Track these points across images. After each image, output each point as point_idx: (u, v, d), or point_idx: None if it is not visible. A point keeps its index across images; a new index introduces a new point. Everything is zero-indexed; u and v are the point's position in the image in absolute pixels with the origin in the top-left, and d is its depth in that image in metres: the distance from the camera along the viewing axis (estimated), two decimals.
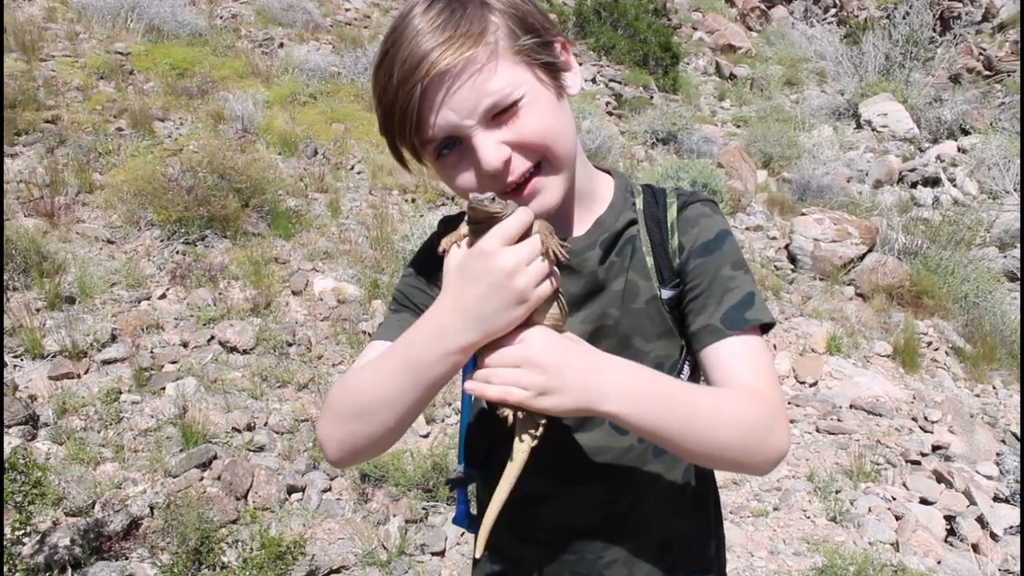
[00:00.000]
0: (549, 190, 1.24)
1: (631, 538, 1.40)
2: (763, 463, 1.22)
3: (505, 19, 1.18)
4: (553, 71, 1.23)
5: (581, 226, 1.34)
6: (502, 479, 1.21)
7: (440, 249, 1.16)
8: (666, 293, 1.34)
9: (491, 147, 1.16)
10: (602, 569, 1.41)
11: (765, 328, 1.30)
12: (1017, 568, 4.11)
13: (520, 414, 1.16)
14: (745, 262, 1.35)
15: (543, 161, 1.22)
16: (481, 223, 1.10)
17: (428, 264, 1.38)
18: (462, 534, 3.91)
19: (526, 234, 1.10)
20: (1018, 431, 5.86)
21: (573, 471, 1.37)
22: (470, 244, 1.11)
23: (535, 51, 1.20)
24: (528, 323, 1.12)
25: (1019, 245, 8.36)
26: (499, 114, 1.17)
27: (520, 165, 1.20)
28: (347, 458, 1.27)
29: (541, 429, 1.18)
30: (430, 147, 1.21)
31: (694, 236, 1.34)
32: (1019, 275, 7.74)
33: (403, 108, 1.16)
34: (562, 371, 1.10)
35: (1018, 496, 4.83)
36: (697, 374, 1.38)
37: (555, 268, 1.13)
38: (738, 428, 1.18)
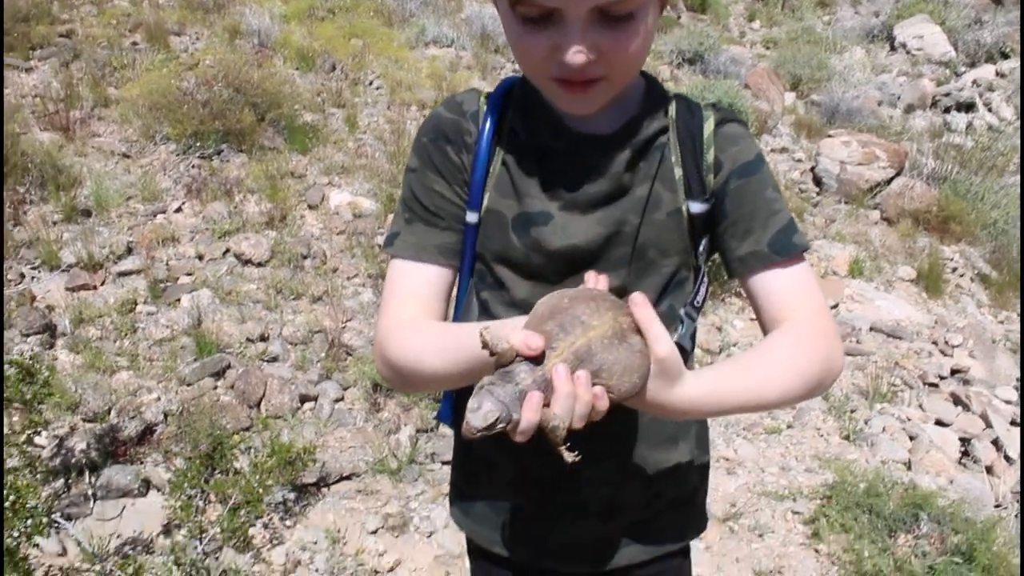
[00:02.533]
0: (602, 98, 1.19)
1: (616, 460, 1.38)
2: (824, 390, 1.25)
3: None
4: None
5: (611, 125, 1.27)
6: None
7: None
8: (695, 207, 1.28)
9: (583, 45, 1.09)
10: (581, 487, 1.39)
11: (804, 252, 1.28)
12: None
13: None
14: None
15: (615, 75, 1.16)
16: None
17: (432, 151, 1.34)
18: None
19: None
20: None
21: None
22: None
23: None
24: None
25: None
26: (609, 18, 1.08)
27: (593, 71, 1.13)
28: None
29: None
30: (524, 7, 1.10)
31: (733, 155, 1.28)
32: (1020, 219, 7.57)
33: None
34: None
35: None
36: (707, 293, 1.36)
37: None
38: (803, 377, 1.18)
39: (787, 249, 1.25)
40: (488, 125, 1.31)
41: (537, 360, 1.00)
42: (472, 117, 1.33)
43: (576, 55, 1.09)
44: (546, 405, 0.99)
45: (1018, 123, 10.45)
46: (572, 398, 0.98)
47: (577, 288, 1.11)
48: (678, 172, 1.29)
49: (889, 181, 7.84)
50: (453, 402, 1.52)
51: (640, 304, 1.05)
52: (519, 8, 1.10)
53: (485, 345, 1.01)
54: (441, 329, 1.26)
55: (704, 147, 1.29)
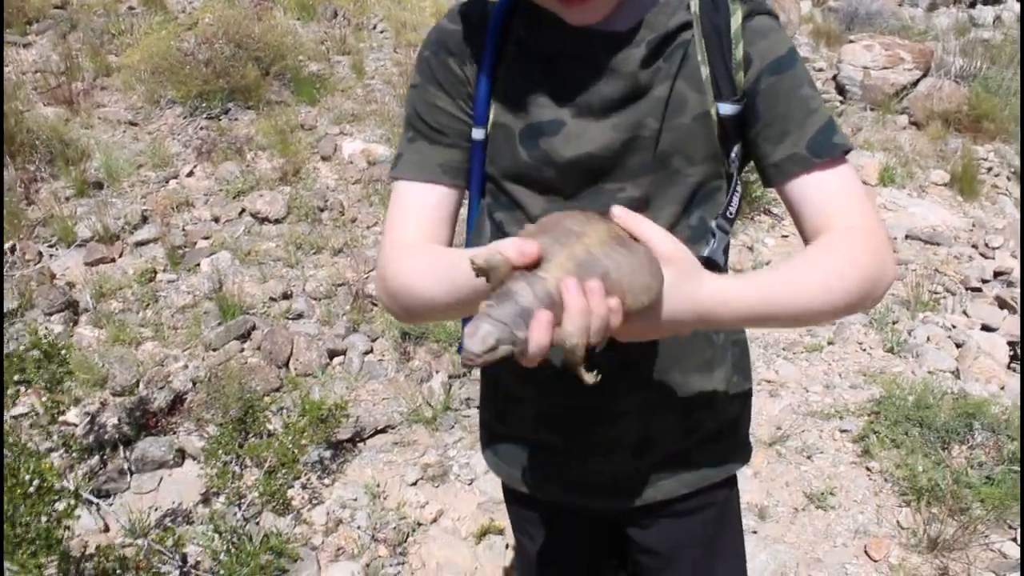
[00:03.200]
0: (606, 4, 1.10)
1: (647, 389, 1.29)
2: (875, 302, 1.13)
3: None
4: None
5: (625, 23, 1.15)
6: None
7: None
8: (725, 108, 1.17)
9: None
10: (614, 419, 1.31)
11: (847, 154, 1.16)
12: None
13: None
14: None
15: None
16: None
17: (435, 65, 1.25)
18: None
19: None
20: None
21: None
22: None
23: None
24: None
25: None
26: None
27: None
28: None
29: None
30: None
31: (764, 50, 1.16)
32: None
33: None
34: (656, 333, 1.03)
35: None
36: (740, 203, 1.25)
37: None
38: (849, 286, 1.07)
39: (828, 150, 1.14)
40: (492, 34, 1.21)
41: (535, 275, 0.89)
42: (476, 26, 1.23)
43: None
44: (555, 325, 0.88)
45: None
46: (586, 314, 0.87)
47: (560, 212, 1.00)
48: (704, 71, 1.16)
49: (916, 83, 7.59)
50: None
51: (623, 215, 0.97)
52: None
53: (478, 271, 0.90)
54: (436, 253, 1.17)
55: (732, 42, 1.16)
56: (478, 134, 1.24)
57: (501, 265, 0.88)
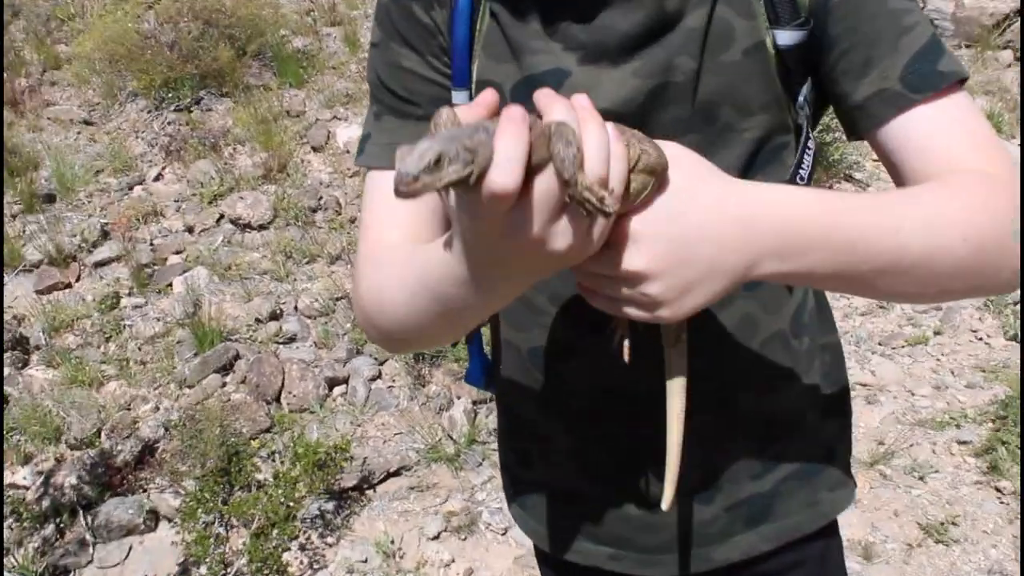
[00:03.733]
0: None
1: (706, 414, 1.14)
2: (1008, 281, 0.95)
3: None
4: None
5: None
6: (668, 409, 1.03)
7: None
8: (785, 37, 1.04)
9: None
10: (664, 452, 1.15)
11: (962, 84, 1.00)
12: None
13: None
14: None
15: None
16: None
17: (396, 14, 1.14)
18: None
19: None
20: None
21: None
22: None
23: None
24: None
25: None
26: None
27: None
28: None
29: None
30: None
31: None
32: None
33: None
34: (678, 271, 0.85)
35: None
36: (815, 163, 1.10)
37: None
38: (970, 244, 0.90)
39: (932, 81, 0.98)
40: None
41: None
42: None
43: None
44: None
45: None
46: (581, 129, 0.75)
47: None
48: None
49: (1020, 10, 7.43)
50: (483, 358, 1.37)
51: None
52: None
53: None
54: (411, 254, 1.03)
55: None
56: (459, 97, 1.12)
57: (437, 124, 0.77)
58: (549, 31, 1.07)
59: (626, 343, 0.99)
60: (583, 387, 1.10)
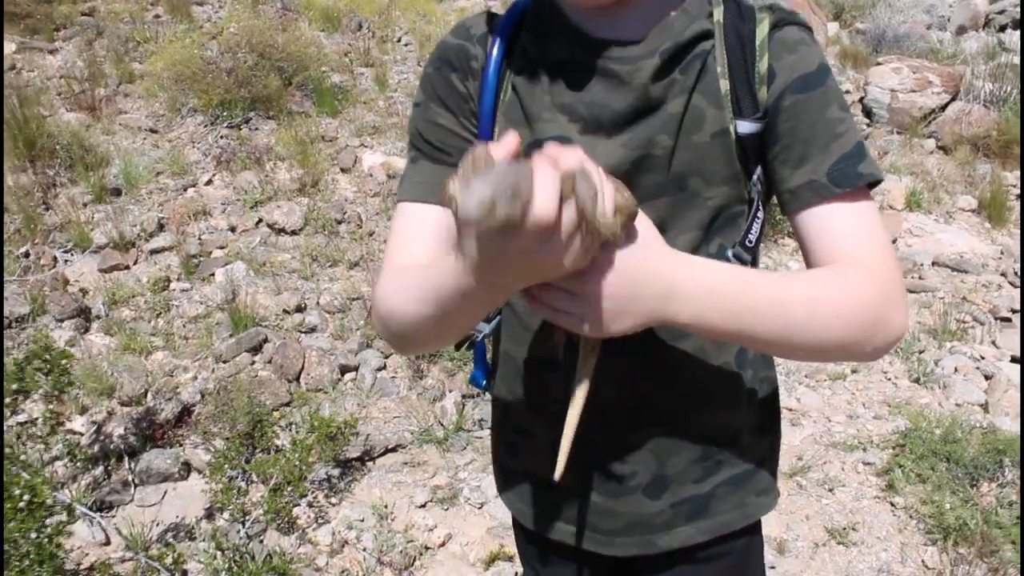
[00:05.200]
0: None
1: (663, 425, 1.20)
2: (872, 353, 1.03)
3: None
4: None
5: (638, 30, 1.07)
6: (572, 402, 1.06)
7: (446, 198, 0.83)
8: (745, 127, 1.08)
9: None
10: (624, 457, 1.22)
11: (873, 187, 1.07)
12: None
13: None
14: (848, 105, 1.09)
15: None
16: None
17: (437, 82, 1.18)
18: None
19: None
20: None
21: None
22: None
23: None
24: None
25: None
26: None
27: None
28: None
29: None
30: None
31: (790, 64, 1.07)
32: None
33: None
34: (625, 304, 0.93)
35: None
36: (764, 229, 1.16)
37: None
38: (843, 321, 0.98)
39: (850, 180, 1.04)
40: (497, 46, 1.14)
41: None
42: (480, 40, 1.16)
43: None
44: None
45: None
46: (593, 173, 0.81)
47: None
48: (724, 85, 1.07)
49: (944, 107, 7.44)
50: (485, 364, 1.39)
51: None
52: None
53: (447, 201, 0.77)
54: (426, 268, 1.06)
55: (756, 54, 1.07)
56: None
57: (476, 159, 0.76)
58: (558, 105, 1.11)
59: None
60: (561, 394, 1.09)
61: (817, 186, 1.05)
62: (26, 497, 2.05)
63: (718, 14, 1.09)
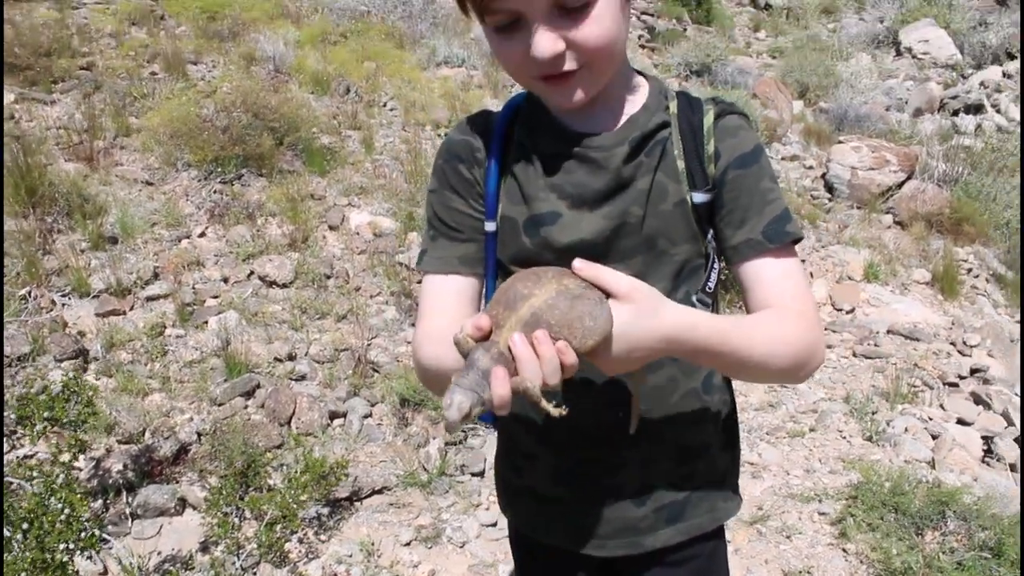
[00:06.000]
0: (584, 88, 1.25)
1: (646, 444, 1.43)
2: (805, 376, 1.32)
3: None
4: None
5: (611, 123, 1.35)
6: (633, 400, 1.38)
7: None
8: (698, 197, 1.34)
9: (549, 38, 1.17)
10: (616, 470, 1.45)
11: (796, 243, 1.35)
12: None
13: None
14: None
15: (591, 63, 1.22)
16: None
17: (448, 172, 1.43)
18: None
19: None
20: None
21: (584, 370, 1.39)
22: None
23: None
24: None
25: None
26: (568, 10, 1.16)
27: (569, 64, 1.20)
28: None
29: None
30: (492, 17, 1.19)
31: (732, 147, 1.34)
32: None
33: None
34: (623, 356, 1.14)
35: None
36: (718, 279, 1.42)
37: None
38: (788, 351, 1.25)
39: (780, 237, 1.32)
40: (496, 140, 1.40)
41: (491, 342, 1.07)
42: (481, 135, 1.43)
43: (543, 49, 1.17)
44: (515, 376, 1.06)
45: None
46: (534, 361, 1.04)
47: (525, 270, 1.16)
48: (681, 164, 1.34)
49: (900, 185, 7.88)
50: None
51: (582, 267, 1.12)
52: (489, 20, 1.20)
53: (456, 344, 1.09)
54: (442, 341, 1.30)
55: (704, 139, 1.35)
56: (490, 227, 1.41)
57: (463, 341, 1.08)
58: (550, 187, 1.36)
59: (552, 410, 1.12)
60: (562, 424, 1.20)
61: (754, 243, 1.32)
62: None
63: (673, 107, 1.38)
